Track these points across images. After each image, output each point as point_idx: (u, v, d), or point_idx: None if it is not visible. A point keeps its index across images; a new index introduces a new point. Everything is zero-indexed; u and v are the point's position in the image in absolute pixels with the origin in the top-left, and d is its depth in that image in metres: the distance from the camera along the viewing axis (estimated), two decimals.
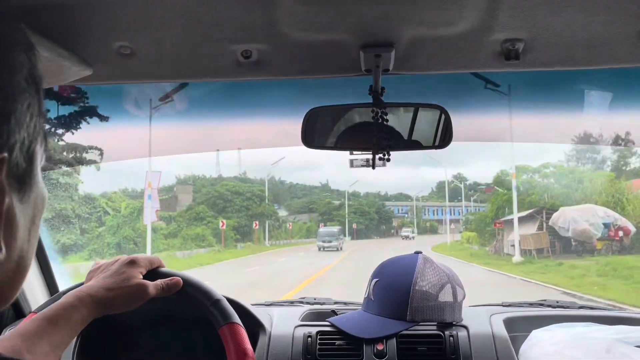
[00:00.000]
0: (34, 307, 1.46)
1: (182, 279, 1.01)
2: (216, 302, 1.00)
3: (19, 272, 0.50)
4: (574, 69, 1.21)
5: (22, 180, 0.48)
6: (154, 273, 1.00)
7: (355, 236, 48.90)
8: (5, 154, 0.45)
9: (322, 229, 39.43)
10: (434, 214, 59.36)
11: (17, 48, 0.48)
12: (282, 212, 47.42)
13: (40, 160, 0.52)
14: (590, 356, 1.31)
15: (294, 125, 1.24)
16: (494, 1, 0.92)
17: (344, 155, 1.38)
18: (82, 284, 0.98)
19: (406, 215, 58.64)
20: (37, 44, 0.99)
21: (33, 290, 1.52)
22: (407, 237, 46.44)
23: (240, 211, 38.51)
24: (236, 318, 1.00)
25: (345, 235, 46.88)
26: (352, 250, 33.05)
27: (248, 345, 0.98)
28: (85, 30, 0.98)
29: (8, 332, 0.94)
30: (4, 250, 0.46)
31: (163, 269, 1.03)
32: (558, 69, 1.20)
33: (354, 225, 50.46)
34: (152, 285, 0.96)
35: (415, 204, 58.89)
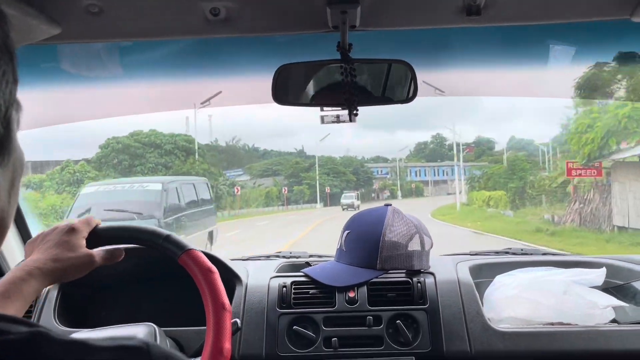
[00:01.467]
0: (12, 266, 1.66)
1: (127, 228, 1.15)
2: (167, 237, 1.13)
3: (0, 233, 0.60)
4: (532, 24, 1.44)
5: (1, 145, 0.54)
6: (94, 234, 1.13)
7: (328, 202, 44.38)
8: None
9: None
10: (416, 175, 59.81)
11: None
12: (244, 177, 45.02)
13: (16, 125, 0.60)
14: (548, 297, 1.57)
15: (265, 84, 1.43)
16: None
17: (319, 119, 1.57)
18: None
19: (387, 176, 57.61)
20: (4, 3, 1.13)
21: (12, 251, 1.71)
22: (350, 207, 34.07)
23: (156, 170, 28.58)
24: (191, 244, 1.14)
25: (317, 202, 43.53)
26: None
27: (209, 263, 1.11)
28: None
29: None
30: None
31: (101, 227, 1.15)
32: (517, 24, 1.42)
33: (327, 189, 45.35)
34: (98, 256, 1.09)
35: (398, 165, 57.51)
